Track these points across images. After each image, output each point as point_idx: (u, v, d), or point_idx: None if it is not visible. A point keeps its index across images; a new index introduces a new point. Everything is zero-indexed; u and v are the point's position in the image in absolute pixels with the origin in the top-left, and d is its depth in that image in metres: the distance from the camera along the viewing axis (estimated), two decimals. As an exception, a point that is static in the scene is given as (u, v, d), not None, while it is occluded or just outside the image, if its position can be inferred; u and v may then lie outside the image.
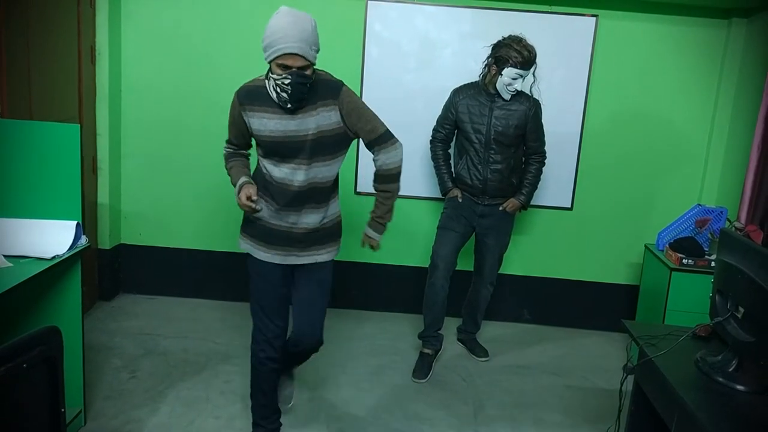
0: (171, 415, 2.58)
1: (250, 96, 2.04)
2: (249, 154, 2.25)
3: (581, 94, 3.63)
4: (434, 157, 3.20)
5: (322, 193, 2.13)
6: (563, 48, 3.58)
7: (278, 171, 2.06)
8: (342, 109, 2.04)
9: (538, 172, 3.18)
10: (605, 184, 3.76)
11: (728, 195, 3.55)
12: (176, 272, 3.89)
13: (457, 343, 3.51)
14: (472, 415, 2.78)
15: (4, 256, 2.11)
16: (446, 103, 3.14)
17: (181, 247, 3.87)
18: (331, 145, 2.07)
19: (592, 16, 3.54)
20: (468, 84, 3.10)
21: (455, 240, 3.14)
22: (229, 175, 2.18)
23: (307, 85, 1.93)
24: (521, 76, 2.89)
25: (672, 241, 3.25)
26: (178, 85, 3.68)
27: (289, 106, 1.96)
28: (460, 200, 3.13)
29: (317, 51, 1.94)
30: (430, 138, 3.21)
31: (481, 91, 3.02)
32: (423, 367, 3.14)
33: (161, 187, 3.80)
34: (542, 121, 3.11)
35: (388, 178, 2.17)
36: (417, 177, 3.67)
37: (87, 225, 2.33)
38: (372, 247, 2.27)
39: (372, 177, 2.23)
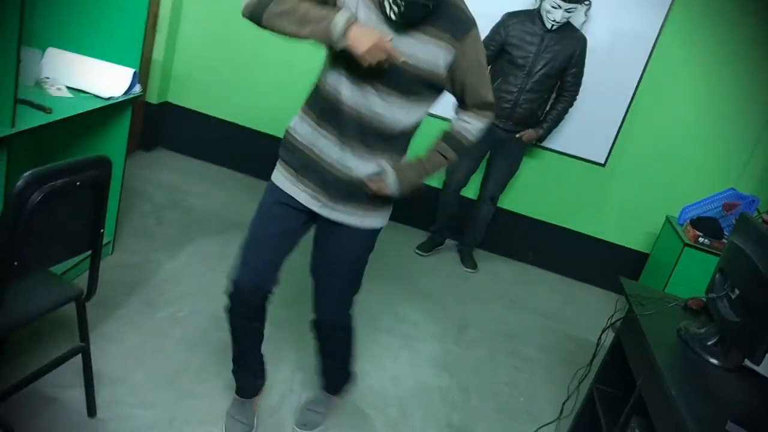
0: (187, 263, 2.80)
1: None
2: None
3: (646, 49, 3.46)
4: None
5: (385, 140, 1.65)
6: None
7: (346, 87, 1.58)
8: (458, 56, 1.58)
9: (564, 111, 3.25)
10: (644, 148, 3.69)
11: (766, 186, 3.49)
12: (213, 140, 4.02)
13: (457, 264, 3.67)
14: (455, 330, 2.97)
15: (66, 87, 2.24)
16: (497, 24, 3.11)
17: (222, 118, 3.97)
18: (417, 85, 1.59)
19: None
20: (523, 10, 3.09)
21: (469, 164, 3.35)
22: (287, 15, 1.46)
23: (429, 6, 1.47)
24: (560, 6, 2.90)
25: (694, 218, 3.26)
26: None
27: (393, 18, 1.50)
28: None
29: None
30: None
31: (536, 19, 3.02)
32: (428, 244, 3.54)
33: (214, 56, 3.84)
34: (585, 67, 3.17)
35: (456, 144, 1.71)
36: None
37: (140, 77, 2.42)
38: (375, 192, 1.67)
39: None
